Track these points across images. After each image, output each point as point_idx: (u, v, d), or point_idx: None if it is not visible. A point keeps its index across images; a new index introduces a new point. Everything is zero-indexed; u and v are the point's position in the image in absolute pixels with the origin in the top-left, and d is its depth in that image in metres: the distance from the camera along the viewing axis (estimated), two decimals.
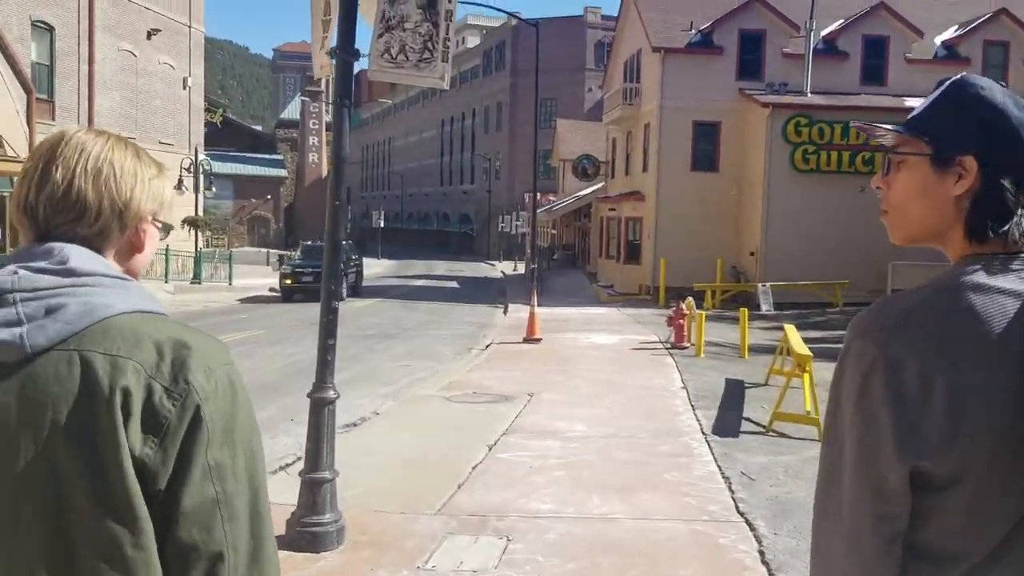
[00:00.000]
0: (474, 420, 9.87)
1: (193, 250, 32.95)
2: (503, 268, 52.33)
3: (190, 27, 38.64)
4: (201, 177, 33.10)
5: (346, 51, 5.20)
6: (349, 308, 26.09)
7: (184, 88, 38.35)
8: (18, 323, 1.24)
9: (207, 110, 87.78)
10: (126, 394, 1.22)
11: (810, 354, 9.84)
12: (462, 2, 31.78)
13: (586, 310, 26.51)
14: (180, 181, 31.72)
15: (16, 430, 1.22)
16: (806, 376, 9.78)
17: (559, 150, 50.81)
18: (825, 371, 11.36)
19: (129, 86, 34.37)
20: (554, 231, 54.21)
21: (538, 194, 33.00)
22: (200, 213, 35.63)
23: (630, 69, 34.41)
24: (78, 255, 1.29)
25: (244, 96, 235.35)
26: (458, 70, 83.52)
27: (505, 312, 26.07)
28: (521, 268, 47.30)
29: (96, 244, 1.33)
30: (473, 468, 7.70)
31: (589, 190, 43.51)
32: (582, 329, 20.49)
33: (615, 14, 39.89)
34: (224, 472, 1.26)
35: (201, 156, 35.78)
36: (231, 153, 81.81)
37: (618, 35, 37.18)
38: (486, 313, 25.84)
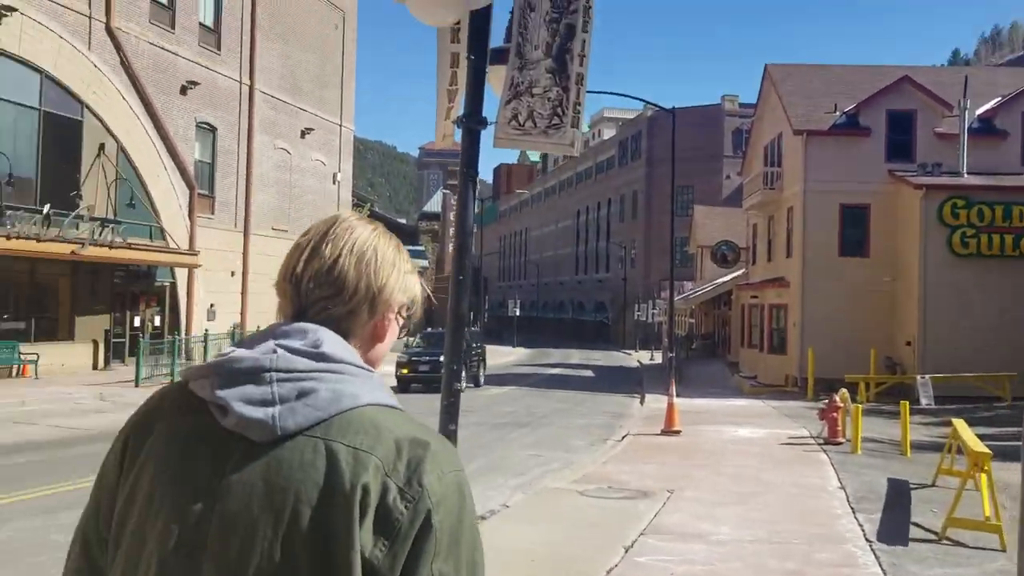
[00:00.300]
0: (609, 517, 9.28)
1: None
2: (639, 357, 51.34)
3: (341, 126, 40.62)
4: None
5: (473, 120, 4.93)
6: (482, 395, 25.92)
7: (334, 183, 40.12)
8: (272, 403, 1.25)
9: (355, 205, 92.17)
10: (365, 491, 1.21)
11: (988, 452, 8.82)
12: (606, 93, 32.07)
13: (728, 402, 25.39)
14: None
15: (259, 513, 1.22)
16: (984, 477, 8.75)
17: (696, 237, 50.05)
18: (1004, 472, 10.19)
19: (283, 181, 36.21)
20: (692, 319, 52.95)
21: (675, 281, 32.32)
22: None
23: (771, 153, 33.67)
24: (330, 340, 1.32)
25: (391, 192, 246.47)
26: (594, 161, 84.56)
27: (642, 402, 25.28)
28: (658, 357, 46.24)
29: (345, 325, 1.37)
30: (608, 572, 7.12)
31: (728, 277, 42.43)
32: (724, 422, 19.51)
33: (753, 101, 39.36)
34: None
35: None
36: None
37: (757, 119, 36.60)
38: (622, 403, 25.12)
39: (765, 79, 33.97)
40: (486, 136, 4.99)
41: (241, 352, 1.31)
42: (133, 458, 1.34)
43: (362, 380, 1.31)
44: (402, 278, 1.43)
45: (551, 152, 4.98)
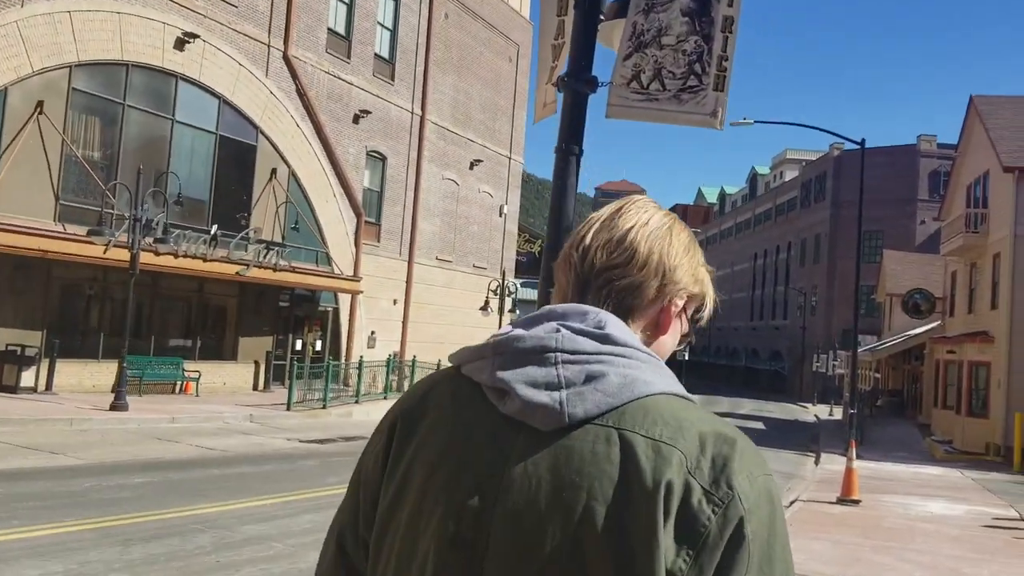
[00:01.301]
0: None
1: None
2: (816, 411, 47.81)
3: (510, 159, 40.31)
4: (507, 300, 33.49)
5: (577, 78, 3.54)
6: None
7: (500, 215, 39.75)
8: (558, 387, 1.14)
9: (527, 241, 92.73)
10: (669, 489, 1.08)
11: None
12: (789, 124, 29.97)
13: (917, 468, 22.53)
14: (487, 303, 32.24)
15: (546, 510, 1.10)
16: None
17: (885, 285, 46.25)
18: None
19: (449, 212, 36.11)
20: (878, 374, 48.92)
21: (859, 332, 29.47)
22: None
23: (974, 194, 30.36)
24: (614, 323, 1.21)
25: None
26: (774, 203, 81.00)
27: (816, 462, 22.87)
28: (837, 413, 42.81)
29: (629, 301, 1.26)
30: None
31: (921, 329, 38.72)
32: (913, 492, 17.02)
33: (953, 141, 35.92)
34: None
35: (509, 280, 36.41)
36: None
37: (959, 157, 33.23)
38: (794, 461, 22.78)
39: (969, 112, 30.80)
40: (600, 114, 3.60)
41: (521, 331, 1.20)
42: (400, 450, 1.23)
43: (652, 366, 1.19)
44: (696, 267, 1.32)
45: (685, 124, 3.57)
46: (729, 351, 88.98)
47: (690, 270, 1.30)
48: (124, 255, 19.70)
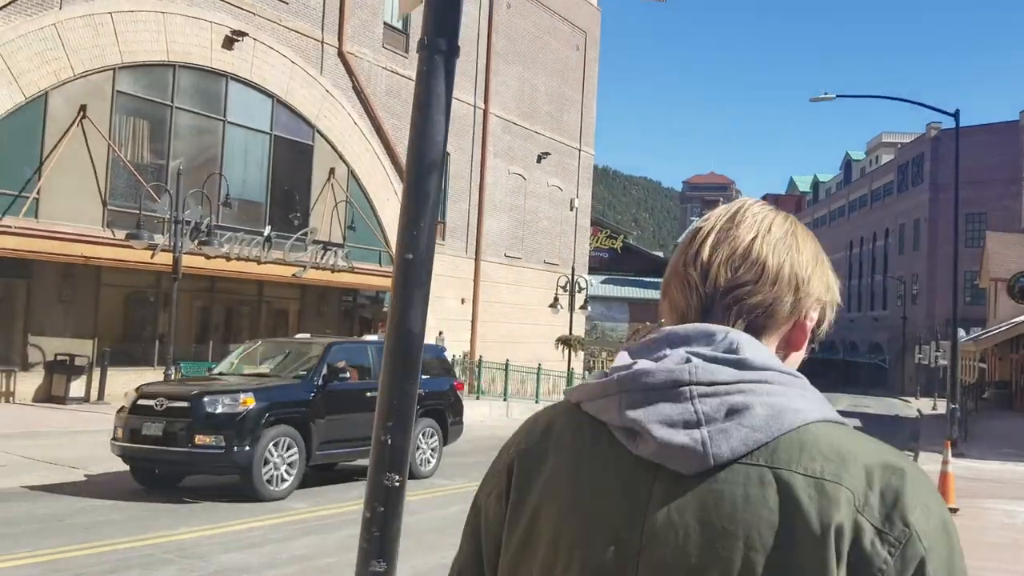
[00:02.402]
0: None
1: (566, 370, 31.77)
2: (920, 406, 44.94)
3: (580, 150, 38.98)
4: (578, 296, 32.14)
5: None
6: None
7: (571, 210, 38.47)
8: (697, 424, 1.04)
9: (609, 237, 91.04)
10: (839, 533, 0.98)
11: None
12: (879, 97, 27.87)
13: None
14: (556, 300, 31.00)
15: (698, 564, 1.00)
16: None
17: (989, 269, 43.20)
18: None
19: (517, 207, 35.03)
20: (983, 364, 45.73)
21: (962, 320, 27.12)
22: (577, 332, 34.68)
23: None
24: (748, 343, 1.10)
25: (655, 227, 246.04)
26: (869, 188, 77.44)
27: (915, 461, 20.88)
28: (941, 407, 40.04)
29: (761, 321, 1.16)
30: None
31: None
32: (1020, 496, 15.08)
33: None
34: None
35: (583, 276, 35.10)
36: (628, 277, 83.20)
37: None
38: None
39: None
40: None
41: (648, 364, 1.09)
42: (521, 495, 1.14)
43: (798, 390, 1.08)
44: (826, 273, 1.22)
45: None
46: (826, 344, 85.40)
47: (822, 279, 1.21)
48: (171, 259, 19.28)
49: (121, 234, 19.41)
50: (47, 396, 19.11)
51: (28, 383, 19.03)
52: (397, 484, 1.46)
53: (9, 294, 19.32)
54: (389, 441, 1.47)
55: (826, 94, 26.31)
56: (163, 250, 18.89)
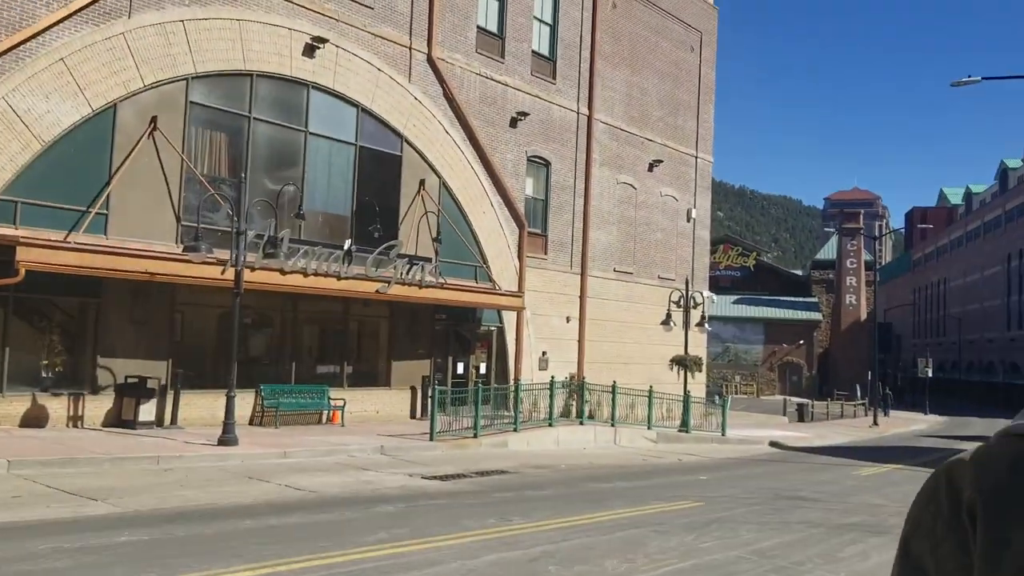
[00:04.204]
0: None
1: (682, 393, 29.19)
2: None
3: (696, 157, 36.48)
4: (694, 312, 29.54)
5: None
6: (843, 475, 19.84)
7: (688, 220, 35.96)
8: None
9: (741, 254, 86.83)
10: None
11: None
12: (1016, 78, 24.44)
13: None
14: (668, 316, 28.56)
15: None
16: None
17: None
18: None
19: (627, 219, 32.88)
20: None
21: None
22: (695, 352, 32.03)
23: None
24: None
25: (796, 247, 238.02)
26: None
27: None
28: None
29: None
30: None
31: None
32: None
33: None
34: None
35: (700, 291, 32.46)
36: (763, 297, 78.92)
37: None
38: None
39: None
40: None
41: None
42: (996, 537, 1.00)
43: None
44: None
45: None
46: (983, 366, 78.65)
47: None
48: (247, 275, 18.21)
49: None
50: (117, 420, 18.32)
51: (97, 407, 18.30)
52: None
53: (79, 314, 18.72)
54: None
55: (970, 77, 23.12)
56: (235, 266, 17.80)
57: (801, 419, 40.69)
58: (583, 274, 30.45)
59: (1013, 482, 1.01)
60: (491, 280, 26.71)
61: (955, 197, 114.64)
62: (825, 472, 20.87)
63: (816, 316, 76.59)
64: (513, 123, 27.94)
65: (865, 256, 77.46)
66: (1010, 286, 73.63)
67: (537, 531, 10.49)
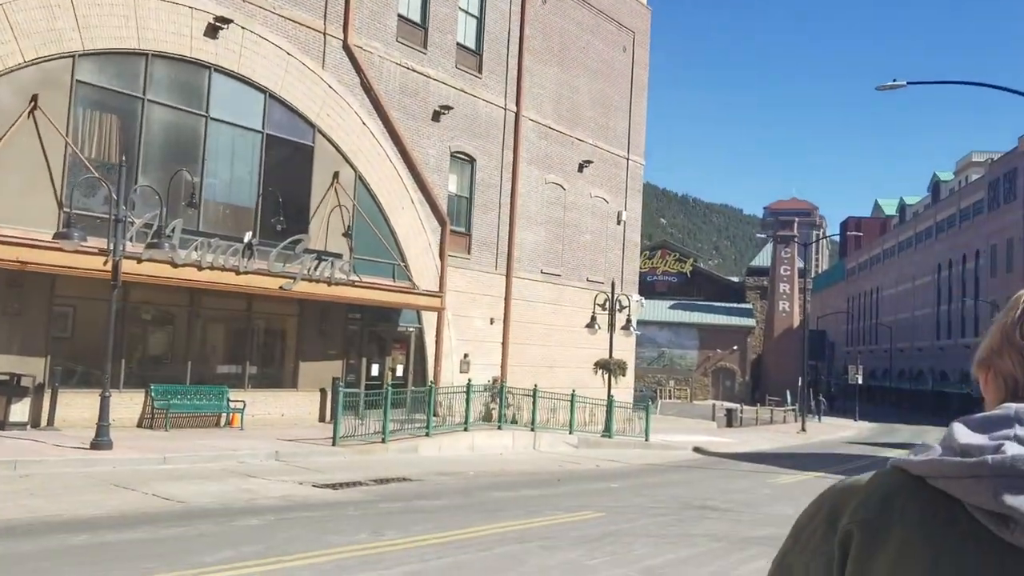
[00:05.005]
0: None
1: (605, 397, 28.44)
2: None
3: (628, 159, 35.89)
4: (620, 316, 28.83)
5: None
6: (760, 483, 19.26)
7: (618, 223, 35.32)
8: None
9: (678, 260, 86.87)
10: None
11: None
12: (958, 83, 24.19)
13: None
14: (593, 319, 27.83)
15: None
16: None
17: None
18: None
19: (555, 220, 32.10)
20: None
21: None
22: (622, 356, 31.35)
23: None
24: None
25: (737, 255, 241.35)
26: (958, 207, 72.24)
27: None
28: None
29: None
30: None
31: None
32: None
33: None
34: None
35: (627, 294, 31.77)
36: (698, 302, 79.06)
37: None
38: None
39: None
40: None
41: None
42: (863, 569, 1.07)
43: None
44: None
45: None
46: (913, 374, 79.86)
47: None
48: (132, 267, 16.95)
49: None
50: None
51: None
52: None
53: None
54: None
55: (895, 81, 22.81)
56: (113, 256, 16.48)
57: (730, 424, 40.38)
58: (508, 275, 29.56)
59: (881, 515, 1.06)
60: (410, 279, 25.67)
61: (889, 208, 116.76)
62: (742, 480, 20.27)
63: (750, 322, 76.91)
64: (436, 116, 26.95)
65: (799, 264, 78.01)
66: (940, 296, 74.85)
67: (409, 547, 9.52)
